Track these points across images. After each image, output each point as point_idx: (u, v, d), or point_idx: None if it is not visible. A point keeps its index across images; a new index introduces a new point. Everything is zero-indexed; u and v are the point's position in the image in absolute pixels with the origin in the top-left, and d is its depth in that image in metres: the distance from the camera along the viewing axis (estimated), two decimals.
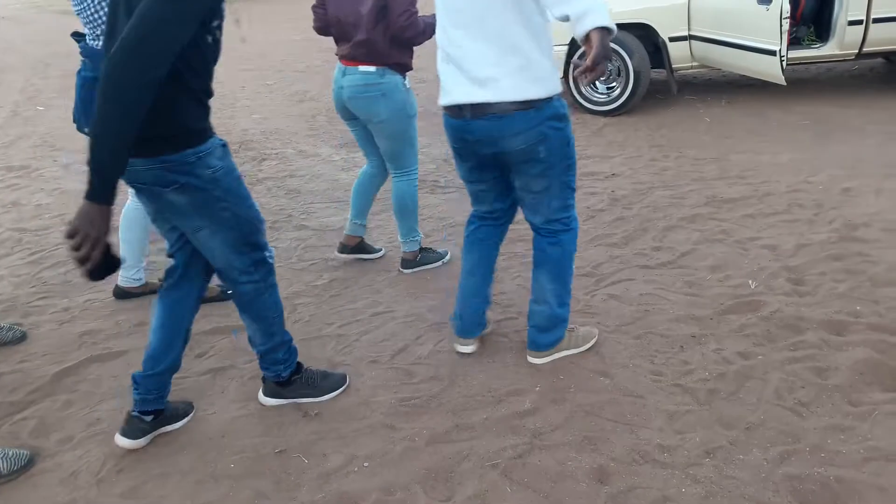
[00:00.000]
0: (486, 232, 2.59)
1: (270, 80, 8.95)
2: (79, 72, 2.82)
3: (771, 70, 4.81)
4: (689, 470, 1.99)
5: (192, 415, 2.40)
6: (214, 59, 1.94)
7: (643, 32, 5.77)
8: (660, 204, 3.99)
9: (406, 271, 3.39)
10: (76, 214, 1.70)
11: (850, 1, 5.23)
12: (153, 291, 3.08)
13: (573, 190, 2.40)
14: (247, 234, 2.08)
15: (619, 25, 6.65)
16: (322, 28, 3.19)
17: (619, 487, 1.96)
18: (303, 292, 3.28)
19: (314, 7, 3.16)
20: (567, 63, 5.87)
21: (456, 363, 2.61)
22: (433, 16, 2.72)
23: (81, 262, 1.71)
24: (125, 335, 2.98)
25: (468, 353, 2.64)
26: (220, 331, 2.97)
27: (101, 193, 1.69)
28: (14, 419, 2.46)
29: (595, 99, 5.98)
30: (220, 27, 1.90)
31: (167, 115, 1.84)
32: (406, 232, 3.33)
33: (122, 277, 3.25)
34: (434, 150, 5.30)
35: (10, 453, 2.18)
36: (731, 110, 5.79)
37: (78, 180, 4.99)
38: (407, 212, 3.27)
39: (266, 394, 2.43)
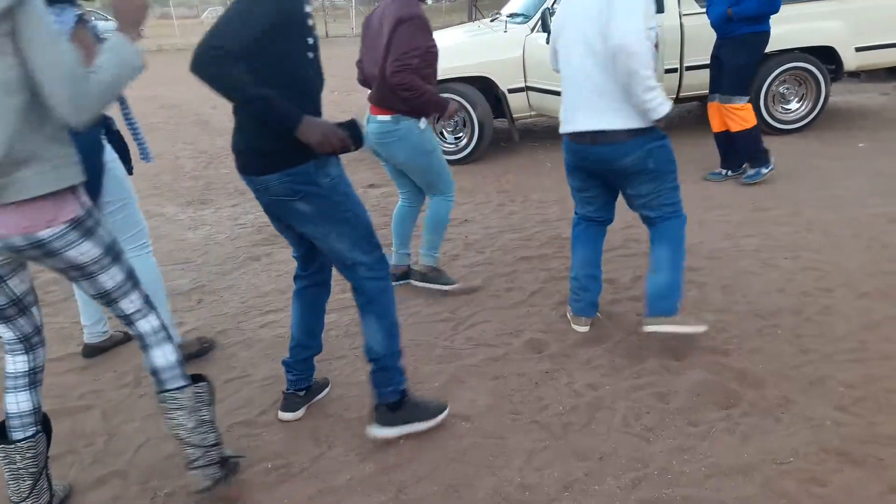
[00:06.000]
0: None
1: None
2: None
3: None
4: None
5: (329, 388, 2.73)
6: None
7: (485, 85, 6.05)
8: (509, 246, 4.15)
9: (417, 284, 3.59)
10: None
11: (665, 51, 5.79)
12: (120, 342, 3.20)
13: None
14: (368, 234, 2.21)
15: (462, 79, 6.78)
16: (362, 81, 3.37)
17: None
18: None
19: (357, 62, 3.36)
20: None
21: (318, 426, 2.53)
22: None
23: None
24: None
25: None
26: None
27: None
28: None
29: (444, 149, 6.17)
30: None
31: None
32: (429, 247, 3.53)
33: (87, 334, 3.13)
34: None
35: None
36: None
37: None
38: (437, 228, 3.48)
39: (382, 423, 2.36)
